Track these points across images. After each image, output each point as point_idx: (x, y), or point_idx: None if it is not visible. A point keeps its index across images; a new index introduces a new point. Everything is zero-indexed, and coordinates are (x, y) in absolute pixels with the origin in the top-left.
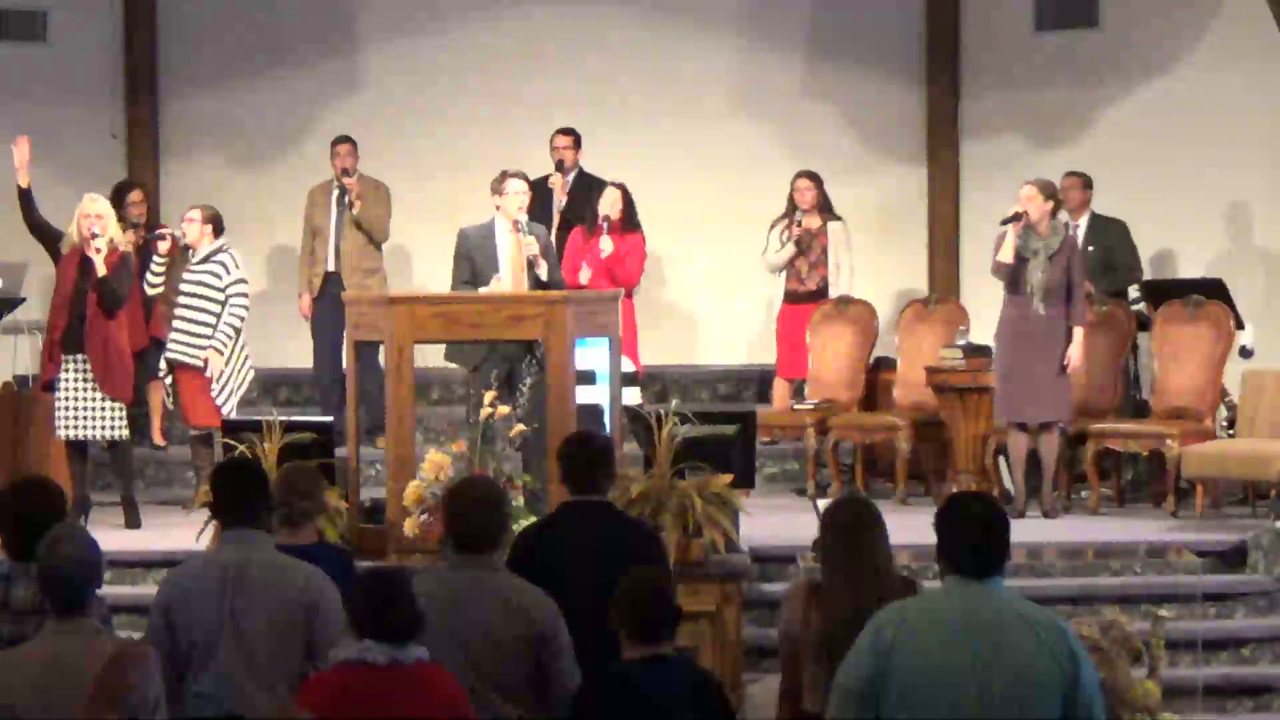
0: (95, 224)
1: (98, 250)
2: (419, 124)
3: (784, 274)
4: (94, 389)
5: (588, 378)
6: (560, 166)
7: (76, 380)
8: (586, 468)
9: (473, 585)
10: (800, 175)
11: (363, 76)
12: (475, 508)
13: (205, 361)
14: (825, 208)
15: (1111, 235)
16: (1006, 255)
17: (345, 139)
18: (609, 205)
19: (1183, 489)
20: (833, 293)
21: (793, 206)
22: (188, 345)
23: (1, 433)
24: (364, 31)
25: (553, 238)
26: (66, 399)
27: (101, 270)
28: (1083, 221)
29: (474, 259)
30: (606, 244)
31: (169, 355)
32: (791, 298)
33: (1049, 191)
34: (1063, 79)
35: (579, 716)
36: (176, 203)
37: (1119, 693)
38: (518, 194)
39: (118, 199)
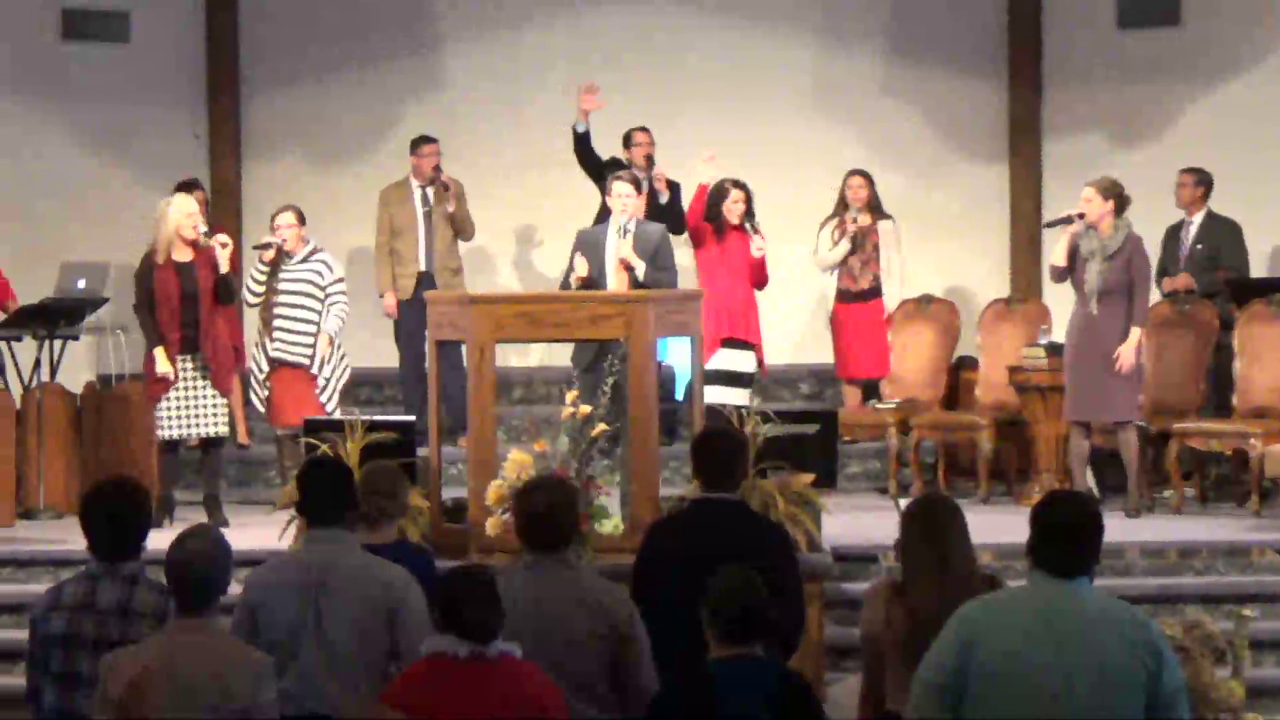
0: (200, 222)
1: (224, 245)
2: (499, 123)
3: (836, 273)
4: (207, 386)
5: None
6: (651, 161)
7: (188, 379)
8: (719, 464)
9: (551, 583)
10: (853, 173)
11: (444, 76)
12: (546, 508)
13: (314, 345)
14: (875, 206)
15: (1223, 235)
16: (1059, 258)
17: (431, 139)
18: (735, 205)
19: (1266, 488)
20: (885, 290)
21: (844, 204)
22: (293, 344)
23: (87, 433)
24: (446, 31)
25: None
26: (176, 398)
27: (225, 266)
28: (1197, 219)
29: (587, 259)
30: (760, 243)
31: (273, 354)
32: (845, 296)
33: (1110, 192)
34: (1144, 77)
35: (658, 715)
36: (258, 202)
37: (1202, 693)
38: (619, 196)
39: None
